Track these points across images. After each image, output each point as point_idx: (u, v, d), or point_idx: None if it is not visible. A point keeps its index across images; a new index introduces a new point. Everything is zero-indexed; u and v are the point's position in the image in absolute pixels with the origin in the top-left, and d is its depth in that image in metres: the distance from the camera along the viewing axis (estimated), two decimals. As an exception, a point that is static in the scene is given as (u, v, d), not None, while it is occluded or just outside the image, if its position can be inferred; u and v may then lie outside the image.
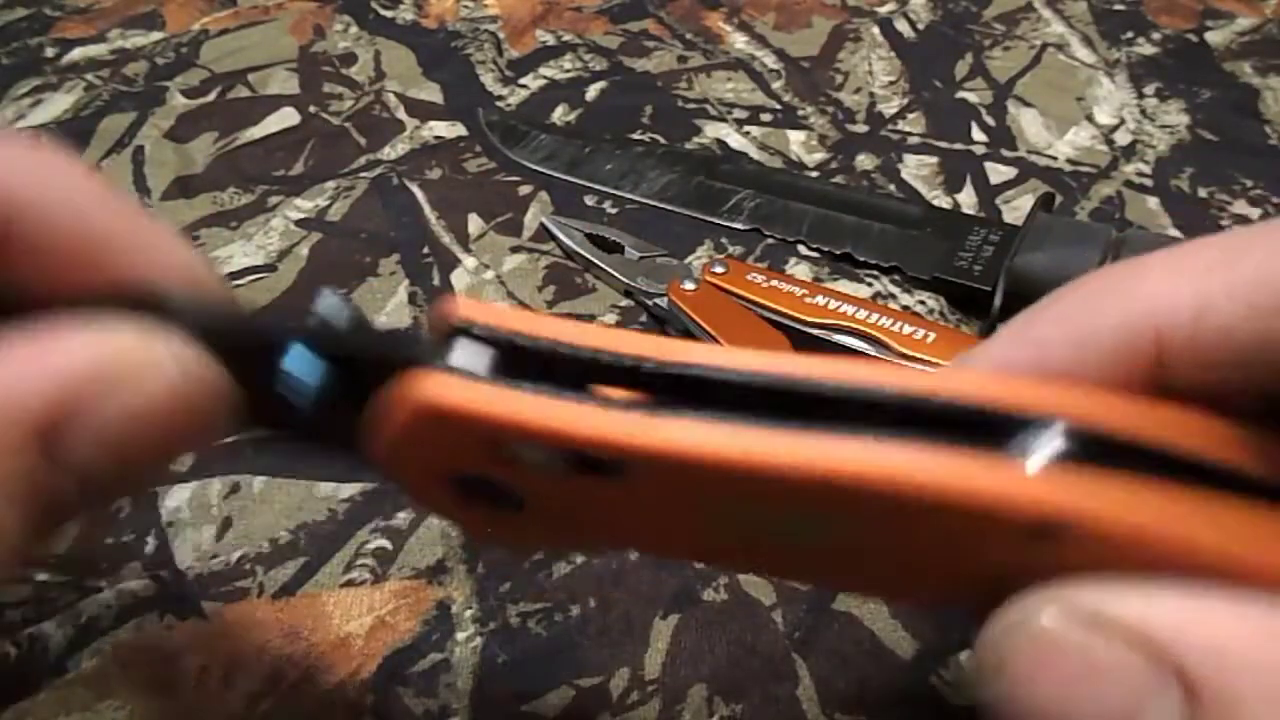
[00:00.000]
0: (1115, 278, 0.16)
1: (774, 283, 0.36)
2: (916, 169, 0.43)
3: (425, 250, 0.40)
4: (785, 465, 0.14)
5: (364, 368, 0.16)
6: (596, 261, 0.38)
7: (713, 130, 0.46)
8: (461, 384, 0.15)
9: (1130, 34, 0.50)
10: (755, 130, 0.46)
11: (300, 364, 0.16)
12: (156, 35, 0.53)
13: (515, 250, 0.40)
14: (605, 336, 0.15)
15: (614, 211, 0.42)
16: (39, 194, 0.15)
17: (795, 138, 0.45)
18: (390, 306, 0.38)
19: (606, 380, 0.15)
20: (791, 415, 0.14)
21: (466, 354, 0.15)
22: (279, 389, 0.16)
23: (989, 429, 0.14)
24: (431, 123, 0.46)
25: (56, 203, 0.15)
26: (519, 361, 0.15)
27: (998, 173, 0.43)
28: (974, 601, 0.15)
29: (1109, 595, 0.13)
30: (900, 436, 0.14)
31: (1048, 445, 0.14)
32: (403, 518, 0.31)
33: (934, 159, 0.44)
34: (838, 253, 0.39)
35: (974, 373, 0.16)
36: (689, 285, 0.36)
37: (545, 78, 0.49)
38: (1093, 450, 0.14)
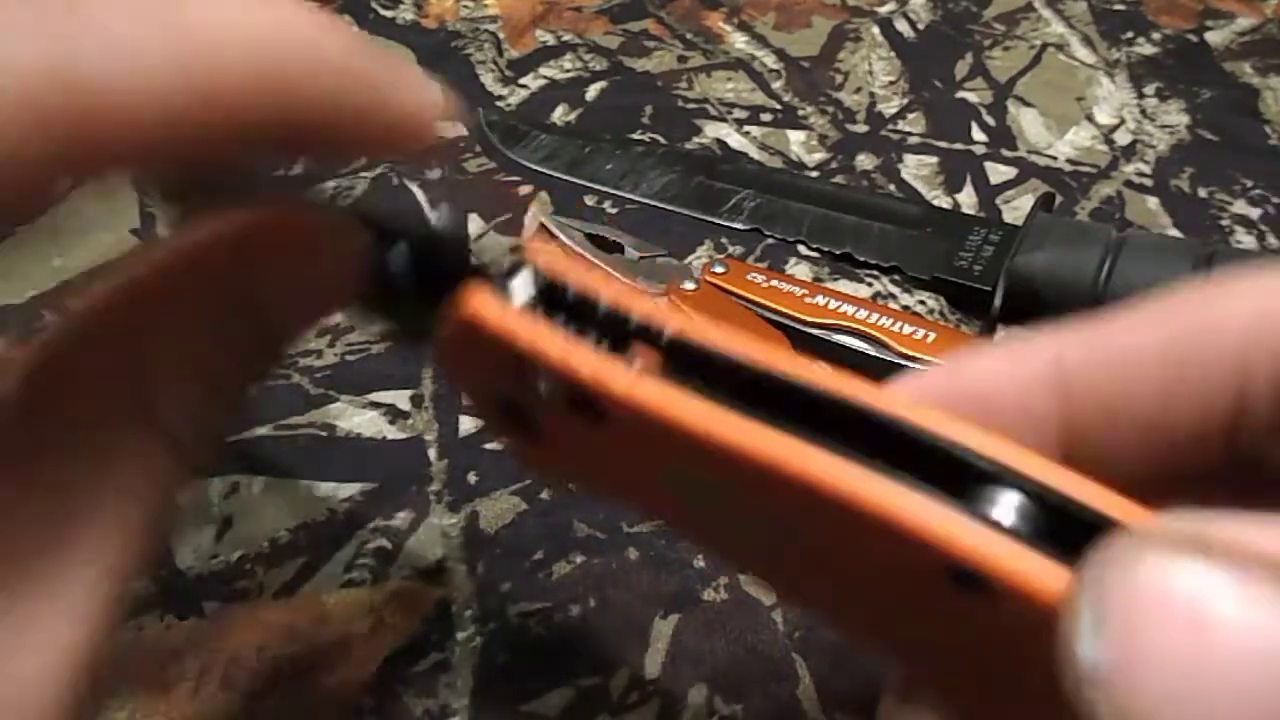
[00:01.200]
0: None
1: (774, 283, 0.36)
2: (916, 169, 0.43)
3: (425, 250, 0.40)
4: (743, 450, 0.15)
5: (449, 278, 0.18)
6: (596, 261, 0.38)
7: (713, 130, 0.46)
8: (499, 305, 0.17)
9: (1130, 34, 0.50)
10: (755, 130, 0.46)
11: (400, 261, 0.18)
12: (156, 35, 0.53)
13: (515, 250, 0.40)
14: (638, 303, 0.17)
15: (614, 211, 0.42)
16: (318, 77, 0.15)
17: (795, 138, 0.45)
18: (390, 306, 0.38)
19: (624, 336, 0.17)
20: (771, 409, 0.15)
21: (522, 283, 0.17)
22: (386, 274, 0.18)
23: (951, 471, 0.14)
24: (431, 123, 0.46)
25: (333, 84, 0.16)
26: (560, 302, 0.17)
27: (998, 173, 0.43)
28: (895, 644, 0.16)
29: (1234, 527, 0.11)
30: (863, 457, 0.14)
31: (1003, 504, 0.14)
32: (402, 518, 0.31)
33: (934, 159, 0.44)
34: (838, 253, 0.39)
35: (952, 418, 0.15)
36: (689, 285, 0.36)
37: (545, 78, 0.49)
38: (1036, 521, 0.14)
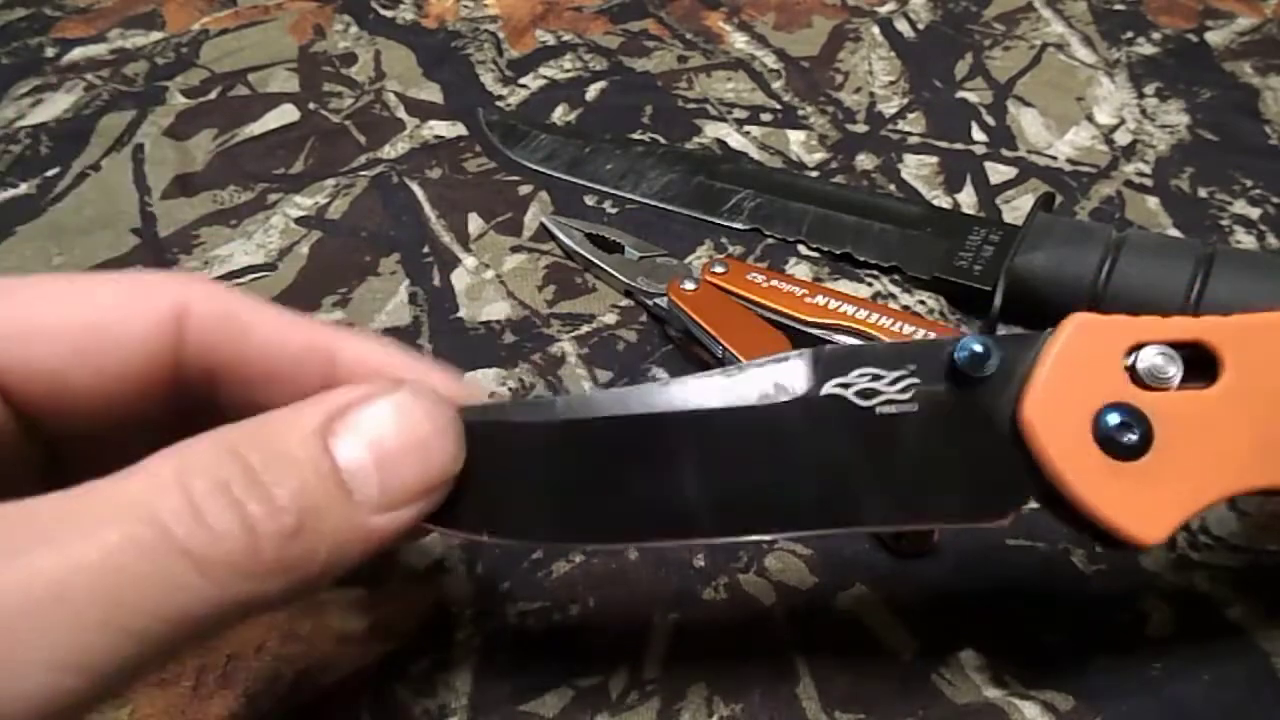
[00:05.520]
0: None
1: (774, 283, 0.36)
2: (916, 169, 0.43)
3: (425, 250, 0.40)
4: None
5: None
6: (596, 261, 0.38)
7: (713, 130, 0.46)
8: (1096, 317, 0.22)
9: (1130, 34, 0.50)
10: (755, 130, 0.46)
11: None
12: (156, 35, 0.53)
13: (515, 250, 0.40)
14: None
15: (614, 211, 0.42)
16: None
17: (795, 138, 0.45)
18: (390, 306, 0.38)
19: None
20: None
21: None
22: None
23: None
24: (431, 122, 0.46)
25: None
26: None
27: (998, 173, 0.43)
28: None
29: None
30: None
31: None
32: (402, 517, 0.31)
33: (934, 159, 0.44)
34: (838, 253, 0.39)
35: None
36: (689, 285, 0.36)
37: (545, 78, 0.49)
38: None
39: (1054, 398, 0.21)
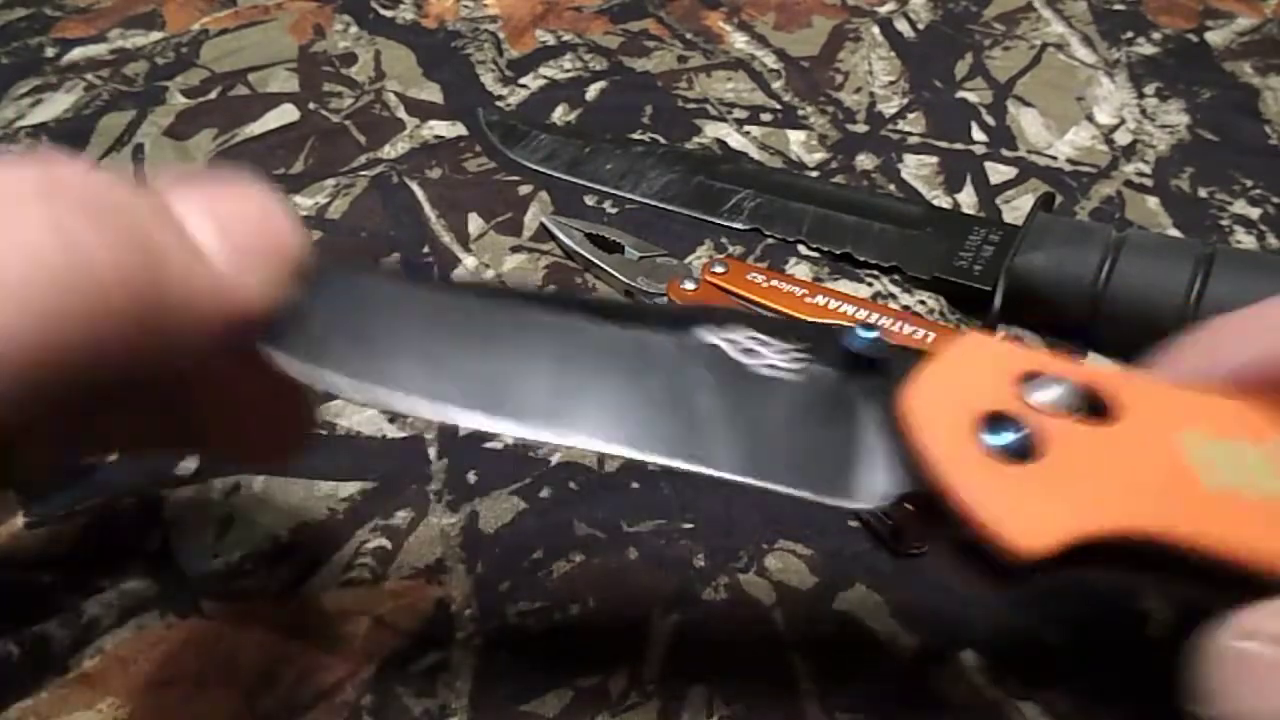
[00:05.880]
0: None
1: (774, 283, 0.36)
2: (916, 169, 0.43)
3: (425, 249, 0.40)
4: None
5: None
6: (596, 261, 0.38)
7: (713, 130, 0.46)
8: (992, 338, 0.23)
9: (1130, 34, 0.50)
10: (755, 130, 0.46)
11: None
12: (156, 35, 0.53)
13: (515, 250, 0.40)
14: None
15: (614, 211, 0.42)
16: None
17: (795, 138, 0.45)
18: (390, 306, 0.38)
19: None
20: None
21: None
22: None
23: None
24: (431, 122, 0.46)
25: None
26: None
27: (998, 173, 0.43)
28: None
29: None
30: None
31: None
32: (402, 517, 0.31)
33: (934, 159, 0.44)
34: (838, 253, 0.39)
35: None
36: (689, 285, 0.36)
37: (545, 78, 0.49)
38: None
39: (938, 392, 0.21)
